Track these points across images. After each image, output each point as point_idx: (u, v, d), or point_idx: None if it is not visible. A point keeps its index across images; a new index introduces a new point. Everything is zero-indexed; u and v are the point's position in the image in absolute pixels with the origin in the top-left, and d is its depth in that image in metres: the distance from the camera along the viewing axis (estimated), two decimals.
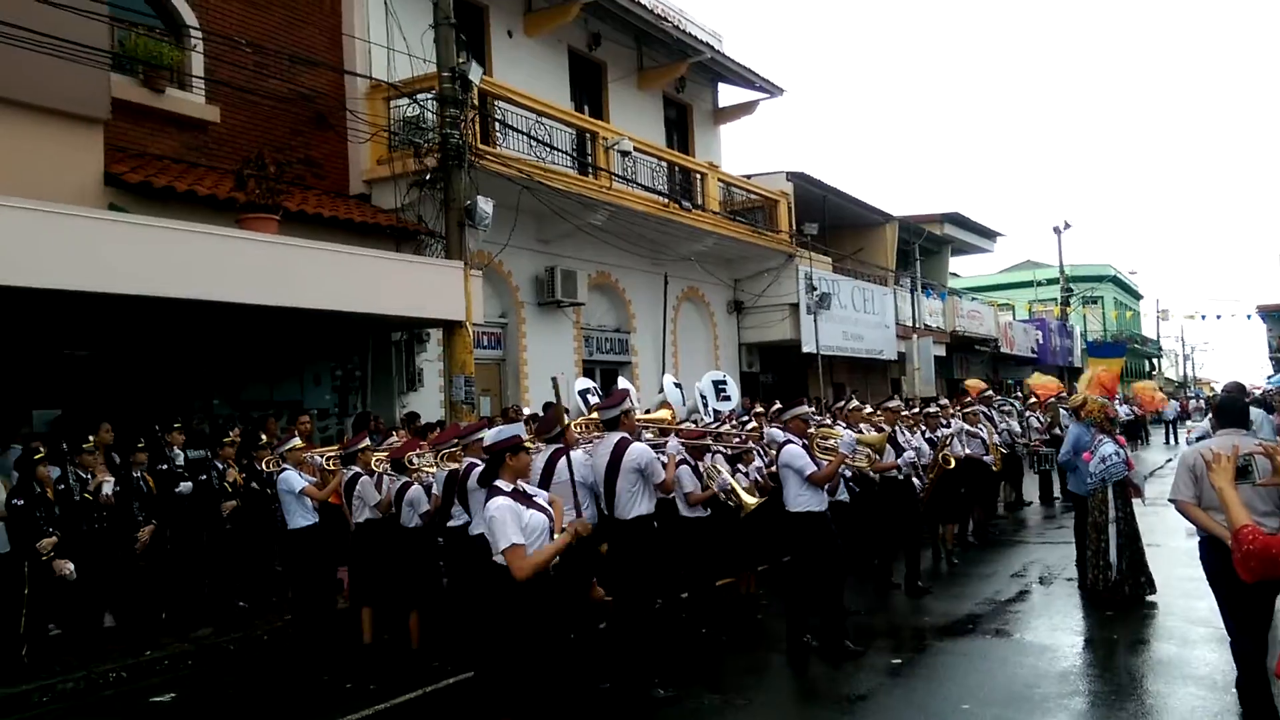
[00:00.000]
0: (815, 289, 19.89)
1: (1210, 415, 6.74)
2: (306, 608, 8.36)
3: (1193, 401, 26.59)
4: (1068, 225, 38.01)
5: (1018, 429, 15.20)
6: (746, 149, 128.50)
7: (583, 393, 10.26)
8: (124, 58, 10.56)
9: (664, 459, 6.90)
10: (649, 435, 7.56)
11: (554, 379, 6.42)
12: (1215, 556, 5.25)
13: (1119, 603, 8.55)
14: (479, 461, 6.98)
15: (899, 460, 9.53)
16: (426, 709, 6.59)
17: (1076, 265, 49.43)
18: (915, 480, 10.07)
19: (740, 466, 8.90)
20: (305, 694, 7.04)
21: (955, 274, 38.02)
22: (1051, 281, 41.96)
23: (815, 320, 19.84)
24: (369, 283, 10.18)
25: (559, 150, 14.22)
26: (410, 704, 6.64)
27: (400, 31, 12.92)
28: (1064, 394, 16.14)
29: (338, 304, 9.82)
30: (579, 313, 16.22)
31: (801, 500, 7.34)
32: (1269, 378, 31.33)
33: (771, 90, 21.76)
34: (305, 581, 8.44)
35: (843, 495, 8.85)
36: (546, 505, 5.02)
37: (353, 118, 12.47)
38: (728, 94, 22.22)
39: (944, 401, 13.92)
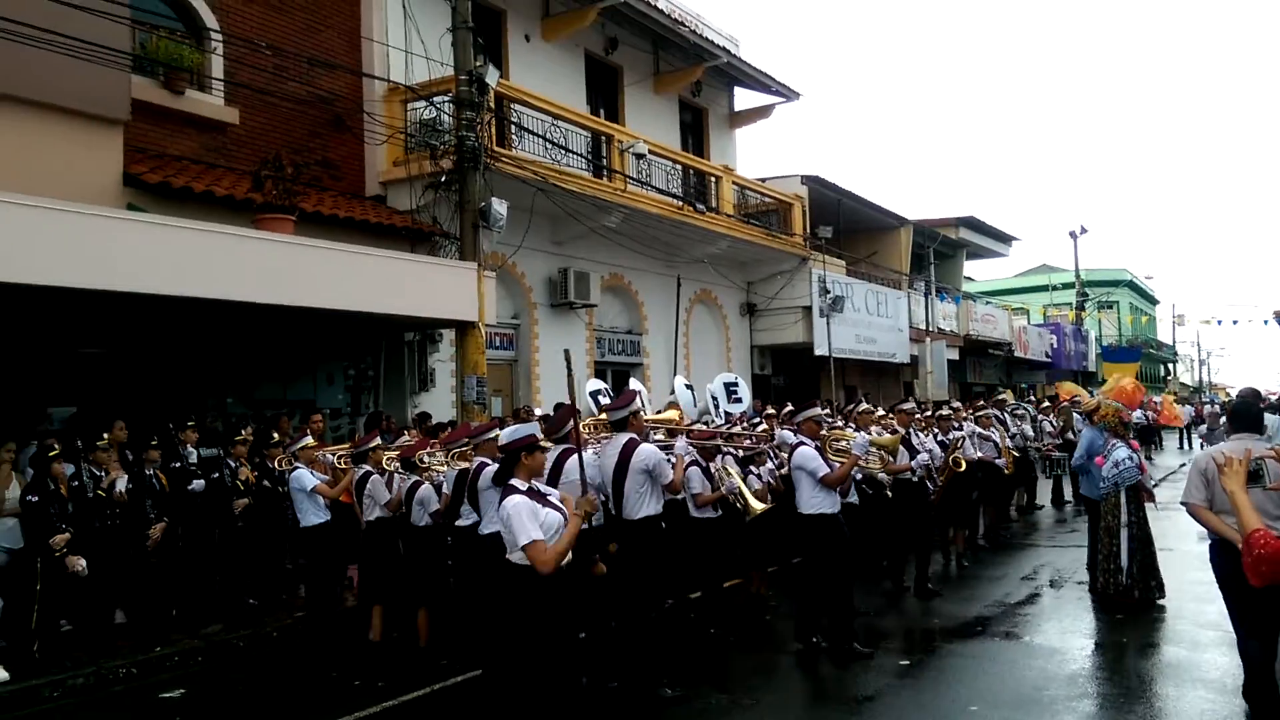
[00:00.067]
0: (828, 292, 19.88)
1: (1223, 419, 6.73)
2: (319, 604, 8.43)
3: (1207, 407, 26.36)
4: (1084, 230, 37.86)
5: (1030, 433, 15.16)
6: (762, 152, 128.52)
7: (594, 394, 10.29)
8: (145, 60, 10.68)
9: (672, 460, 6.92)
10: (660, 436, 7.59)
11: (565, 351, 6.44)
12: (1225, 560, 5.24)
13: (1129, 606, 8.53)
14: (490, 461, 7.03)
15: (913, 463, 9.51)
16: (434, 706, 6.63)
17: (1092, 270, 49.17)
18: (929, 483, 10.05)
19: (752, 468, 8.91)
20: (314, 691, 7.09)
21: (970, 278, 37.92)
22: (1067, 286, 41.74)
23: (828, 323, 19.83)
24: (383, 283, 10.25)
25: (574, 153, 14.28)
26: (418, 701, 6.67)
27: (418, 35, 13.01)
28: (1078, 398, 16.07)
29: (352, 304, 9.89)
30: (591, 314, 16.26)
31: (815, 502, 7.35)
32: None
33: (787, 94, 21.76)
34: (318, 579, 8.51)
35: (852, 497, 8.85)
36: (560, 504, 5.05)
37: (370, 120, 12.56)
38: (744, 98, 22.28)
39: (956, 404, 13.89)
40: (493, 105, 12.12)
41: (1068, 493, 16.08)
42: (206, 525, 8.97)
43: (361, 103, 12.79)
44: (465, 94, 11.28)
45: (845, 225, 22.74)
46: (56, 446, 7.75)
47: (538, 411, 12.22)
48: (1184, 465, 22.50)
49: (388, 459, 8.04)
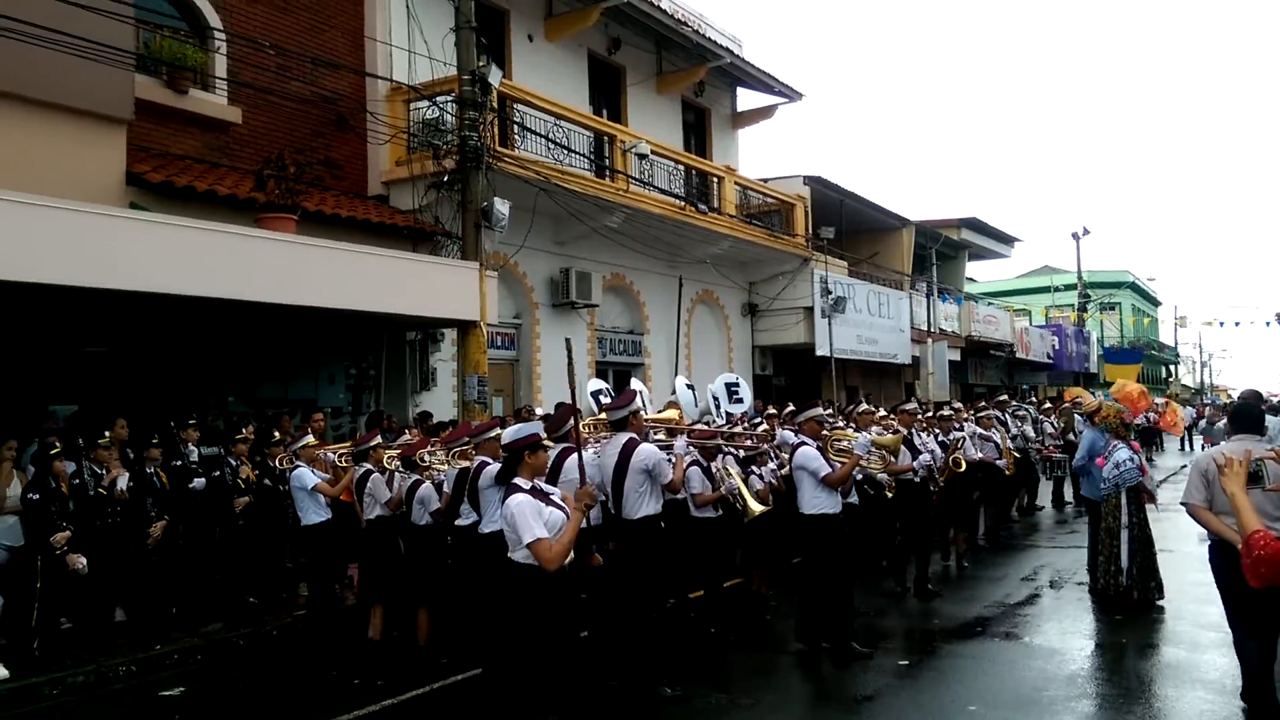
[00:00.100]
0: (830, 292, 19.88)
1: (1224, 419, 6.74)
2: (319, 603, 8.43)
3: (1209, 408, 26.40)
4: (1086, 231, 37.90)
5: (1032, 434, 15.17)
6: (764, 153, 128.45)
7: (595, 393, 10.30)
8: (148, 59, 10.70)
9: (672, 459, 6.93)
10: (660, 436, 7.59)
11: (566, 340, 6.45)
12: (1225, 560, 5.25)
13: (1129, 607, 8.53)
14: (490, 460, 7.04)
15: (914, 463, 9.51)
16: (434, 705, 6.63)
17: (1094, 271, 49.14)
18: (930, 484, 10.04)
19: (754, 468, 8.91)
20: (313, 689, 7.10)
21: (972, 279, 37.90)
22: (1069, 287, 41.73)
23: (830, 324, 19.83)
24: (385, 283, 10.26)
25: (576, 153, 14.30)
26: (418, 700, 6.68)
27: (421, 35, 13.03)
28: (1079, 399, 16.09)
29: (354, 303, 9.90)
30: (593, 314, 16.27)
31: (816, 503, 7.35)
32: None
33: (790, 95, 21.77)
34: (318, 578, 8.52)
35: (853, 498, 8.85)
36: (562, 503, 5.05)
37: (373, 119, 12.58)
38: (746, 98, 22.28)
39: (957, 405, 13.90)
40: (495, 105, 12.13)
41: (1069, 494, 16.09)
42: (207, 524, 8.98)
43: (364, 102, 12.81)
44: (468, 94, 11.30)
45: (847, 226, 22.74)
46: (58, 444, 7.77)
47: (539, 411, 12.23)
48: (1185, 466, 22.48)
49: (388, 458, 8.05)
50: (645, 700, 6.32)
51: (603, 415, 7.44)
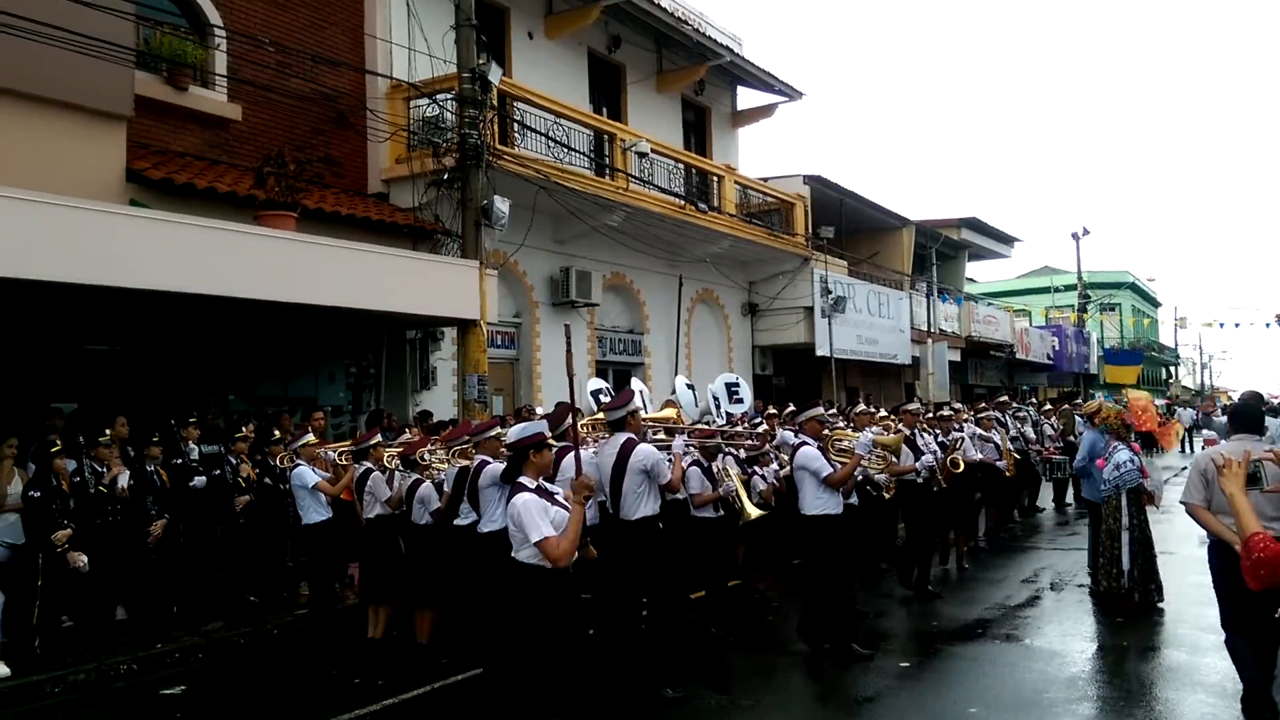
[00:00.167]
0: (830, 292, 19.87)
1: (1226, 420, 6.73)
2: (321, 601, 8.42)
3: (1216, 418, 26.49)
4: (1086, 232, 37.88)
5: (1032, 435, 15.16)
6: (764, 152, 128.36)
7: (595, 393, 10.30)
8: (148, 55, 10.68)
9: (670, 459, 6.92)
10: (661, 436, 7.58)
11: (566, 326, 6.43)
12: (1224, 561, 5.25)
13: (1130, 609, 8.53)
14: (490, 459, 7.04)
15: (917, 464, 9.48)
16: (434, 705, 6.63)
17: (1094, 272, 49.13)
18: (933, 485, 10.00)
19: (756, 469, 8.91)
20: (314, 688, 7.09)
21: (972, 279, 37.89)
22: (1069, 288, 41.72)
23: (830, 324, 19.83)
24: (385, 281, 10.25)
25: (576, 151, 14.28)
26: (418, 699, 6.68)
27: (421, 32, 13.01)
28: (1079, 400, 16.08)
29: (354, 301, 9.89)
30: (593, 313, 16.26)
31: (818, 503, 7.32)
32: None
33: (790, 94, 21.75)
34: (319, 577, 8.51)
35: (853, 499, 8.83)
36: (566, 503, 5.04)
37: (373, 117, 12.56)
38: (746, 97, 22.26)
39: (957, 406, 13.89)
40: (495, 103, 12.12)
41: (1070, 495, 16.10)
42: (208, 522, 8.97)
43: (364, 100, 12.79)
44: (468, 91, 11.28)
45: (847, 225, 22.73)
46: (58, 442, 7.76)
47: (539, 411, 12.23)
48: (1185, 469, 22.49)
49: (388, 456, 8.04)
50: (646, 701, 6.31)
51: (601, 415, 7.42)
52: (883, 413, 12.08)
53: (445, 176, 12.00)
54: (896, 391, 25.12)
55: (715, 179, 18.21)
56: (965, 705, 6.22)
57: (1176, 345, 62.95)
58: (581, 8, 16.32)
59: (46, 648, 7.41)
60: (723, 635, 7.98)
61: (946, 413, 11.63)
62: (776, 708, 6.39)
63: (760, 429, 9.59)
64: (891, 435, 9.02)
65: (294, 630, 8.60)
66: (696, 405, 10.71)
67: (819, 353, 19.96)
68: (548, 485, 5.15)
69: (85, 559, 7.49)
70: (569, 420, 6.52)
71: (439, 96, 12.18)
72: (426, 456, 7.84)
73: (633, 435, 6.62)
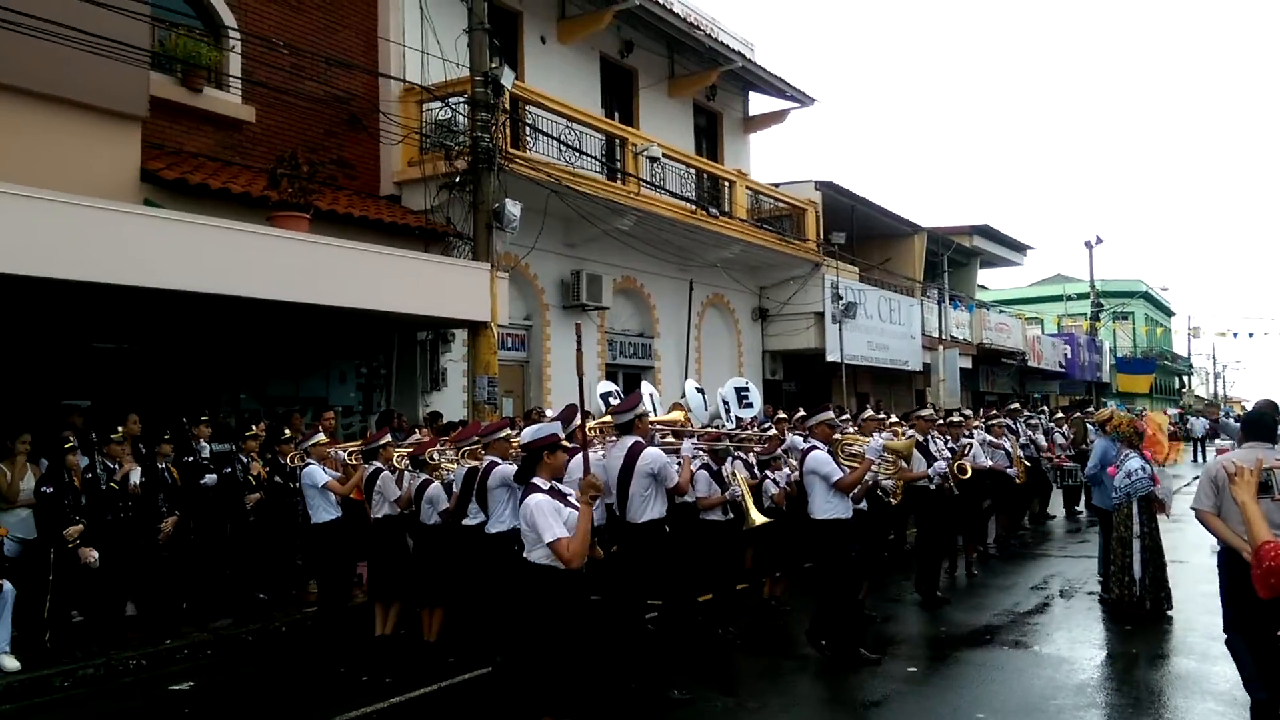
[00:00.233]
0: (841, 298, 19.85)
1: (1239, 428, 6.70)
2: (329, 601, 8.44)
3: (1223, 419, 26.32)
4: (1099, 240, 37.70)
5: (1043, 442, 15.10)
6: (776, 158, 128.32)
7: (604, 396, 10.29)
8: (163, 57, 10.77)
9: (679, 461, 6.91)
10: (670, 439, 7.58)
11: (577, 325, 6.46)
12: (1233, 567, 5.23)
13: (1140, 617, 8.49)
14: (500, 460, 7.06)
15: (930, 470, 9.44)
16: (441, 703, 6.64)
17: (1108, 280, 48.98)
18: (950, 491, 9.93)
19: (768, 473, 8.90)
20: (321, 686, 7.11)
21: (984, 286, 37.83)
22: (1082, 296, 41.62)
23: (840, 329, 19.80)
24: (396, 282, 10.29)
25: (588, 155, 14.31)
26: (425, 698, 6.69)
27: (434, 36, 13.06)
28: (1090, 409, 16.03)
29: (365, 302, 9.93)
30: (603, 317, 16.29)
31: (828, 508, 7.30)
32: None
33: (802, 100, 21.75)
34: (328, 575, 8.53)
35: (862, 504, 8.81)
36: (578, 504, 5.03)
37: (385, 120, 12.62)
38: (758, 102, 22.28)
39: (967, 412, 13.84)
40: (508, 107, 12.16)
41: (1081, 503, 16.03)
42: (218, 520, 9.01)
43: (377, 102, 12.85)
44: (480, 95, 11.33)
45: (859, 231, 22.72)
46: (71, 439, 7.81)
47: (549, 413, 12.25)
48: (1197, 478, 22.42)
49: (398, 456, 8.07)
50: (653, 702, 6.31)
51: (608, 418, 7.43)
52: (893, 419, 12.04)
53: (457, 179, 12.04)
54: (907, 398, 25.08)
55: (726, 184, 18.23)
56: (973, 711, 6.20)
57: (1190, 354, 62.64)
58: (594, 12, 16.38)
59: (56, 642, 7.46)
60: (730, 638, 7.97)
61: (956, 419, 11.60)
62: (783, 711, 6.38)
63: (769, 434, 9.57)
64: (902, 440, 8.98)
65: (302, 628, 8.63)
66: (706, 409, 10.70)
67: (829, 358, 19.94)
68: (561, 486, 5.14)
69: (96, 554, 7.54)
70: (577, 421, 6.53)
71: (451, 100, 12.23)
72: (435, 457, 7.86)
73: (640, 438, 6.62)
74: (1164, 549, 8.88)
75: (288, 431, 9.76)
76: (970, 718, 6.08)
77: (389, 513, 7.78)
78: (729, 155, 21.01)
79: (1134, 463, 8.87)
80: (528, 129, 13.66)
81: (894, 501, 9.35)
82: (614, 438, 6.98)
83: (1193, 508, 5.62)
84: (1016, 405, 16.71)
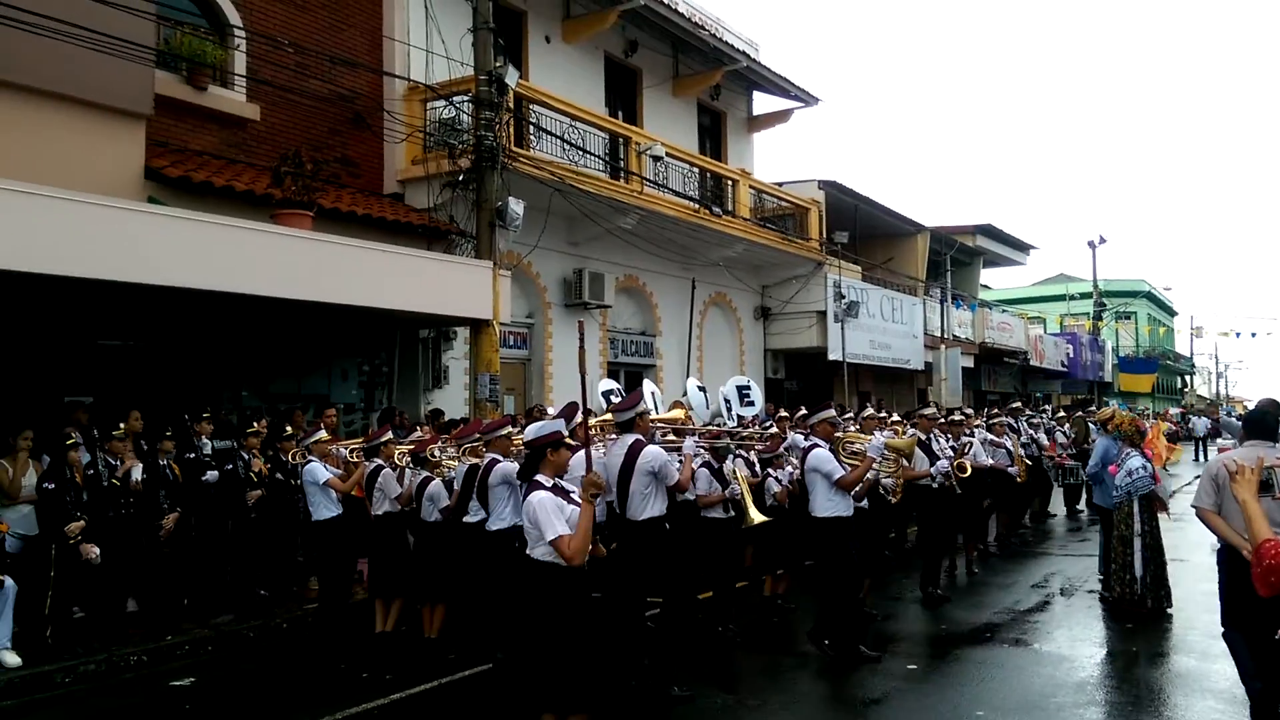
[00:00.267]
0: (844, 297, 19.85)
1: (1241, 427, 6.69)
2: (330, 598, 8.46)
3: (1224, 418, 26.32)
4: (1102, 240, 37.63)
5: (1045, 440, 15.10)
6: (780, 157, 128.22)
7: (606, 394, 10.30)
8: (168, 55, 10.79)
9: (680, 459, 6.92)
10: (671, 437, 7.58)
11: (580, 322, 6.47)
12: (1232, 565, 5.23)
13: (1140, 615, 8.49)
14: (501, 457, 7.07)
15: (932, 469, 9.44)
16: (441, 700, 6.65)
17: (1110, 280, 48.94)
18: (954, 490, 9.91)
19: (771, 471, 8.91)
20: (322, 682, 7.12)
21: (986, 286, 37.78)
22: (1084, 296, 41.54)
23: (843, 328, 19.80)
24: (399, 280, 10.31)
25: (591, 154, 14.33)
26: (425, 695, 6.70)
27: (439, 35, 13.09)
28: (1092, 408, 16.04)
29: (368, 300, 9.95)
30: (606, 315, 16.30)
31: (829, 505, 7.30)
32: None
33: (806, 99, 21.75)
34: (329, 572, 8.55)
35: (863, 502, 8.81)
36: (580, 501, 5.04)
37: (389, 118, 12.64)
38: (762, 102, 22.29)
39: (968, 411, 13.85)
40: (511, 106, 12.18)
41: (1081, 502, 16.03)
42: (219, 516, 9.03)
43: (381, 101, 12.88)
44: (484, 94, 11.35)
45: (861, 231, 22.72)
46: (73, 435, 7.83)
47: (550, 411, 12.26)
48: (1199, 478, 22.41)
49: (399, 454, 8.08)
50: (654, 699, 6.32)
51: (609, 416, 7.44)
52: (895, 417, 12.05)
53: (460, 178, 12.07)
54: (909, 397, 25.08)
55: (730, 183, 18.23)
56: (972, 708, 6.21)
57: (1192, 354, 62.56)
58: (599, 12, 16.39)
59: (58, 638, 7.48)
60: (730, 635, 7.98)
61: (957, 418, 11.60)
62: (783, 708, 6.39)
63: (770, 432, 9.58)
64: (904, 438, 8.98)
65: (303, 624, 8.65)
66: (708, 407, 10.71)
67: (831, 357, 19.94)
68: (564, 484, 5.14)
69: (97, 551, 7.56)
70: (578, 418, 6.54)
71: (455, 98, 12.25)
72: (437, 454, 7.88)
73: (640, 437, 6.63)
74: (1164, 547, 8.88)
75: (289, 429, 9.78)
76: (970, 715, 6.09)
77: (389, 510, 7.79)
78: (732, 154, 21.01)
79: (1135, 461, 8.87)
80: (531, 128, 13.68)
81: (894, 500, 9.35)
82: (613, 436, 6.99)
83: (1193, 505, 5.62)
84: (1018, 404, 16.69)
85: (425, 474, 7.76)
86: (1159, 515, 9.00)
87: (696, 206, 16.39)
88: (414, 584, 7.70)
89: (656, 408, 8.21)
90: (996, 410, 15.29)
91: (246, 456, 9.30)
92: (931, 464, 9.45)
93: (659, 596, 7.17)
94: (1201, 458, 31.69)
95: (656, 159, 15.49)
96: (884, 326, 22.23)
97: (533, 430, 5.31)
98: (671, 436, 7.60)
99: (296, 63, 11.78)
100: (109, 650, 7.51)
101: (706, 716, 6.23)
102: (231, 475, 9.12)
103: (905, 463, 8.70)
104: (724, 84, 20.17)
